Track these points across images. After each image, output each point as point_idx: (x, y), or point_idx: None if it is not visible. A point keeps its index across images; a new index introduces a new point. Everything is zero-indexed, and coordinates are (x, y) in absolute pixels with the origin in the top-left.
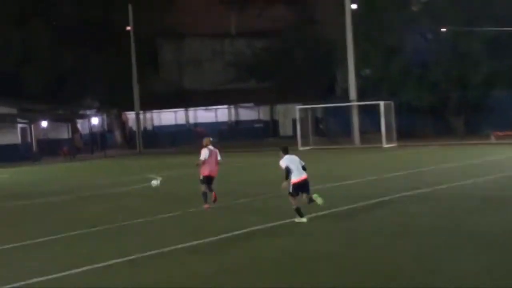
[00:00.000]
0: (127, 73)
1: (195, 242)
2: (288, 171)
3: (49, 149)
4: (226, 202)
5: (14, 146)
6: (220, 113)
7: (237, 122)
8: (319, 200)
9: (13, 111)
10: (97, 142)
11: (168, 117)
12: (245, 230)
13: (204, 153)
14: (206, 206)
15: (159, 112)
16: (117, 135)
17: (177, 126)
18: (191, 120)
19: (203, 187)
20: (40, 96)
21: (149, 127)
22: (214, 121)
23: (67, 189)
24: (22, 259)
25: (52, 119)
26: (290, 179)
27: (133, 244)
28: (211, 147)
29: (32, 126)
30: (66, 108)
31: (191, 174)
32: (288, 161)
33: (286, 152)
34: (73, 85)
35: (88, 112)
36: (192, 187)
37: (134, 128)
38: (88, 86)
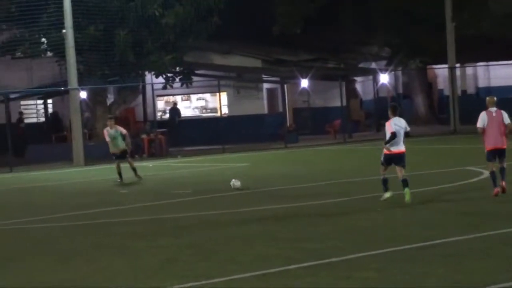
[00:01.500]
0: (435, 4)
1: None
2: (393, 138)
3: (311, 123)
4: None
5: (257, 118)
6: None
7: None
8: (407, 196)
9: (256, 63)
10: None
11: (503, 73)
12: None
13: (481, 118)
14: (495, 190)
15: (487, 65)
16: (420, 102)
17: None
18: None
19: (489, 166)
20: (295, 41)
21: (471, 89)
22: None
23: (338, 188)
24: None
25: (317, 77)
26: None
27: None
28: (493, 108)
29: (285, 87)
30: (338, 60)
31: None
32: (396, 126)
33: (394, 112)
34: (348, 23)
35: (373, 65)
36: None
37: (447, 91)
38: (372, 25)
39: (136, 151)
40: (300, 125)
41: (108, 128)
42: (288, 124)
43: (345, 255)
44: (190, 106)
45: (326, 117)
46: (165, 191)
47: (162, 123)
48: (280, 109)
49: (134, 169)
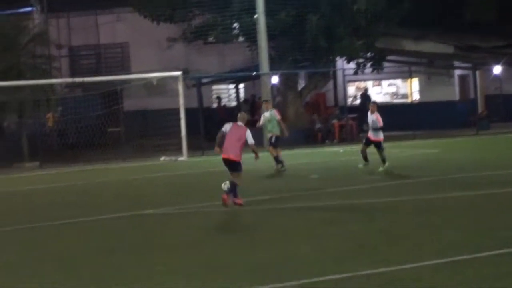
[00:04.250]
0: None
1: None
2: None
3: (503, 110)
4: None
5: (448, 105)
6: None
7: None
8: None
9: (448, 49)
10: None
11: None
12: None
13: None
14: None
15: None
16: None
17: None
18: None
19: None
20: (488, 27)
21: None
22: None
23: None
24: None
25: (510, 64)
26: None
27: None
28: (239, 123)
29: (477, 74)
30: None
31: None
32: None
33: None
34: None
35: None
36: None
37: None
38: None
39: (327, 136)
40: (492, 112)
41: (265, 111)
42: (479, 111)
43: None
44: (381, 91)
45: None
46: (356, 176)
47: (353, 109)
48: (472, 96)
49: (275, 158)
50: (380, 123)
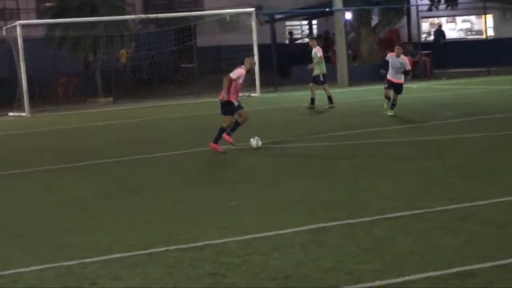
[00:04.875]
0: None
1: None
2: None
3: None
4: None
5: None
6: None
7: None
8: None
9: None
10: None
11: None
12: None
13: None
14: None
15: None
16: None
17: None
18: None
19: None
20: None
21: None
22: None
23: None
24: None
25: None
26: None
27: None
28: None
29: None
30: None
31: None
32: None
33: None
34: None
35: None
36: None
37: None
38: None
39: None
40: None
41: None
42: None
43: None
44: (455, 28)
45: None
46: (429, 113)
47: (426, 45)
48: None
49: (329, 98)
50: (409, 66)
